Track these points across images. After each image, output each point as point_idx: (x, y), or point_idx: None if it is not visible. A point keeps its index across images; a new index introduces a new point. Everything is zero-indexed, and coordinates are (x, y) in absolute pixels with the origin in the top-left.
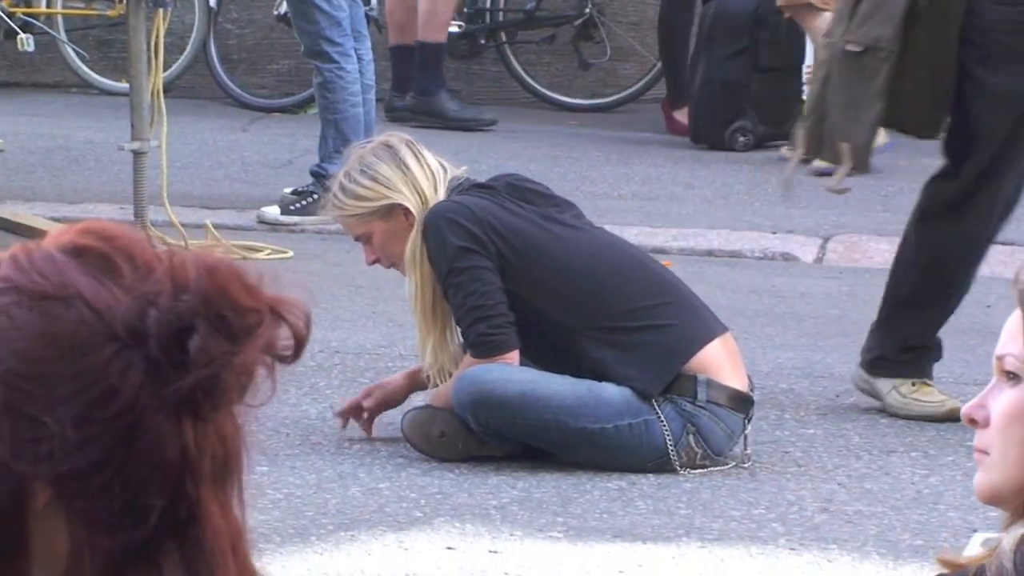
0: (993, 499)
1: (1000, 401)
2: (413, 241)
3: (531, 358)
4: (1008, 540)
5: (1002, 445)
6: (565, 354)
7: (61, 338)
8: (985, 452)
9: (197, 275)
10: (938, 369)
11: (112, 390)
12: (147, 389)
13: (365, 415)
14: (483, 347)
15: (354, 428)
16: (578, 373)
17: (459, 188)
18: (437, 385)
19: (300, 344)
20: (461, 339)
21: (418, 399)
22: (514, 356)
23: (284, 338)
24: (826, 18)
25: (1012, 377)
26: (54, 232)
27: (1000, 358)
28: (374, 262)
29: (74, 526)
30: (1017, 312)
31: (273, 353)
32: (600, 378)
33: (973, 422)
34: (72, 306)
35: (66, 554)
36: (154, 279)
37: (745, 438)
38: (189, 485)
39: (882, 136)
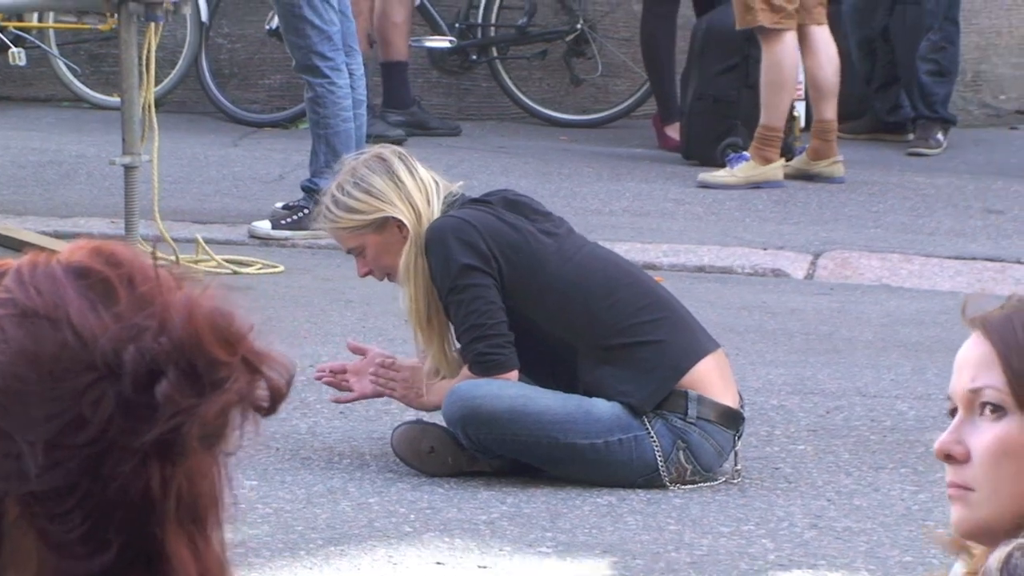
0: (981, 536)
1: (984, 436)
2: (407, 254)
3: (528, 372)
4: (994, 559)
5: (992, 482)
6: (562, 368)
7: (43, 359)
8: (967, 488)
9: (177, 318)
10: (929, 386)
11: (82, 420)
12: (117, 424)
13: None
14: (482, 366)
15: (343, 442)
16: (574, 387)
17: (455, 203)
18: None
19: (276, 400)
20: (458, 349)
21: (408, 415)
22: (513, 376)
23: (265, 388)
24: (788, 39)
25: (995, 410)
26: (72, 245)
27: (974, 391)
28: (366, 274)
29: (39, 546)
30: (972, 343)
31: (245, 406)
32: (595, 393)
33: (949, 458)
34: (59, 328)
35: (34, 572)
36: (147, 313)
37: (735, 454)
38: (152, 524)
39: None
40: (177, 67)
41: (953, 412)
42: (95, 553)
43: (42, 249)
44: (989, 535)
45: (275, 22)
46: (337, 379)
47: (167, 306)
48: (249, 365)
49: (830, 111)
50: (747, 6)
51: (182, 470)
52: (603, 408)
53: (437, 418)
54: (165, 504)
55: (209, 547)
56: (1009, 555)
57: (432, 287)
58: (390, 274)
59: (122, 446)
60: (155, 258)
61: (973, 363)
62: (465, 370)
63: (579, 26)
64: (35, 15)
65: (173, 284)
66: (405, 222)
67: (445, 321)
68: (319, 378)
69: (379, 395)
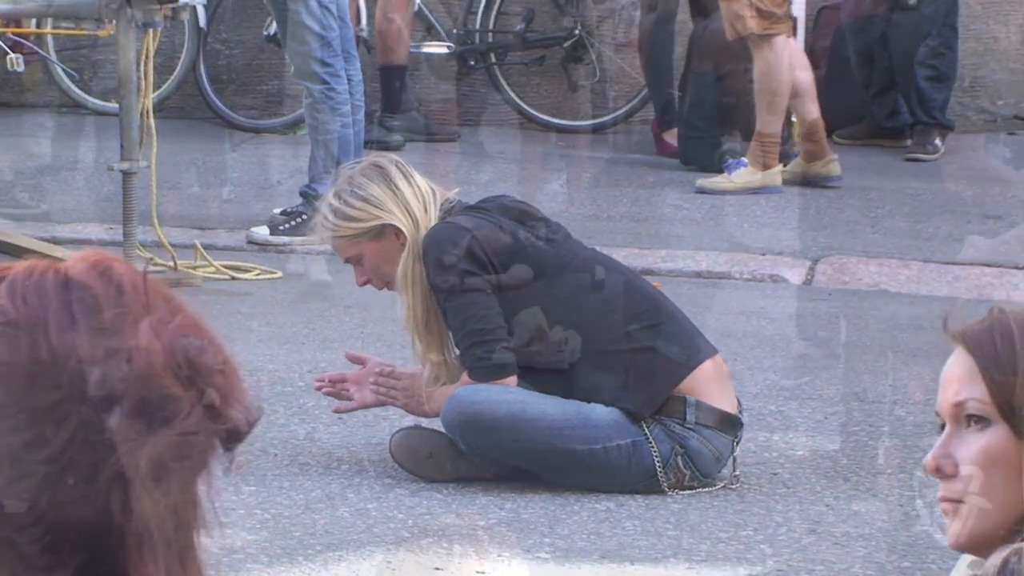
0: (978, 546)
1: (970, 448)
2: (405, 261)
3: (526, 377)
4: (991, 564)
5: (982, 492)
6: (560, 374)
7: (17, 371)
8: (959, 501)
9: (141, 348)
10: (927, 392)
11: (44, 437)
12: (77, 446)
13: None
14: (481, 371)
15: (342, 448)
16: (572, 393)
17: (452, 210)
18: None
19: (234, 440)
20: (457, 356)
21: (407, 421)
22: (512, 381)
23: (234, 419)
24: (780, 44)
25: (979, 421)
26: (76, 255)
27: (958, 404)
28: (365, 283)
29: (9, 554)
30: (955, 358)
31: (203, 440)
32: (594, 399)
33: (939, 472)
34: (36, 342)
35: None
36: (125, 335)
37: (733, 460)
38: (114, 547)
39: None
40: (175, 73)
41: (943, 428)
42: (54, 569)
43: (42, 255)
44: (985, 545)
45: (273, 28)
46: (337, 389)
47: (141, 331)
48: (208, 401)
49: (813, 111)
50: (737, 15)
51: (144, 496)
52: (601, 414)
53: (436, 424)
54: (126, 528)
55: (183, 571)
56: (1006, 560)
57: (430, 294)
58: (389, 282)
59: (81, 469)
60: (146, 279)
61: (956, 378)
62: (465, 376)
63: (577, 32)
64: (33, 21)
65: (158, 307)
66: (403, 229)
67: (444, 327)
68: (319, 388)
69: (380, 404)
